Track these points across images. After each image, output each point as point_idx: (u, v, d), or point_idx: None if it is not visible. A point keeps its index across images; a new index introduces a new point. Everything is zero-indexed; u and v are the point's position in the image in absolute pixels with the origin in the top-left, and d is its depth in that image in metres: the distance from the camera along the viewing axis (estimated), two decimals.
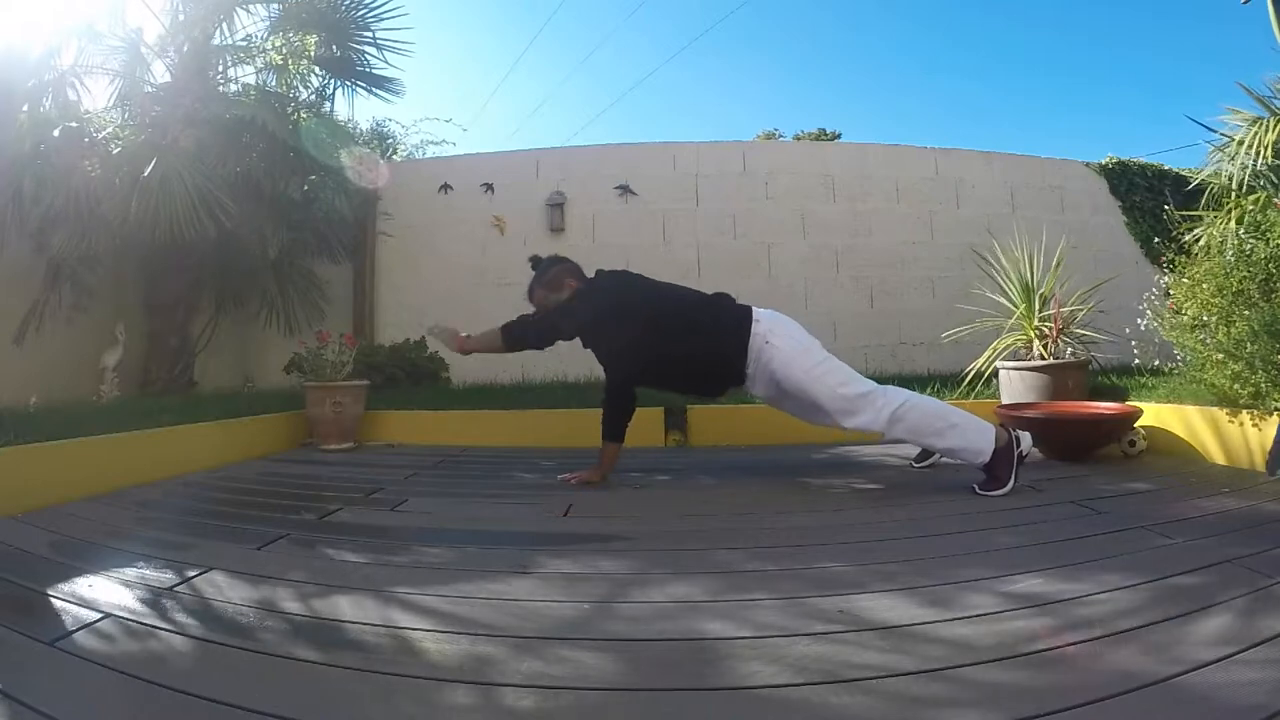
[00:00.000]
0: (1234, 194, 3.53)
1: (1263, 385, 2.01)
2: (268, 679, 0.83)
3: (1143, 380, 2.98)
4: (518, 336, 2.11)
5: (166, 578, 1.21)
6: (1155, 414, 2.45)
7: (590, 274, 2.17)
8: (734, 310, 2.05)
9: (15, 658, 0.89)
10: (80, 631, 0.96)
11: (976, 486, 1.83)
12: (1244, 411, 2.07)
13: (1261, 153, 3.41)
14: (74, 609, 1.05)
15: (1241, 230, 2.45)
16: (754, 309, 2.04)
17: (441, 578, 1.22)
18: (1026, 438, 1.88)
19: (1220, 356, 2.14)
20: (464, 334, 2.17)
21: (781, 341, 1.97)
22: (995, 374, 3.16)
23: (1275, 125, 3.42)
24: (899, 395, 1.92)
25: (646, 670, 0.85)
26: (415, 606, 1.07)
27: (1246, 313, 2.11)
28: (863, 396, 1.91)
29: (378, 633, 0.96)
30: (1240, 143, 3.58)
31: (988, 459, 1.84)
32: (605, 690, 0.80)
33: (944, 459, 2.20)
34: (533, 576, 1.22)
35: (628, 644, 0.93)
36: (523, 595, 1.12)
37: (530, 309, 2.19)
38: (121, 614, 1.03)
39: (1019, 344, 3.23)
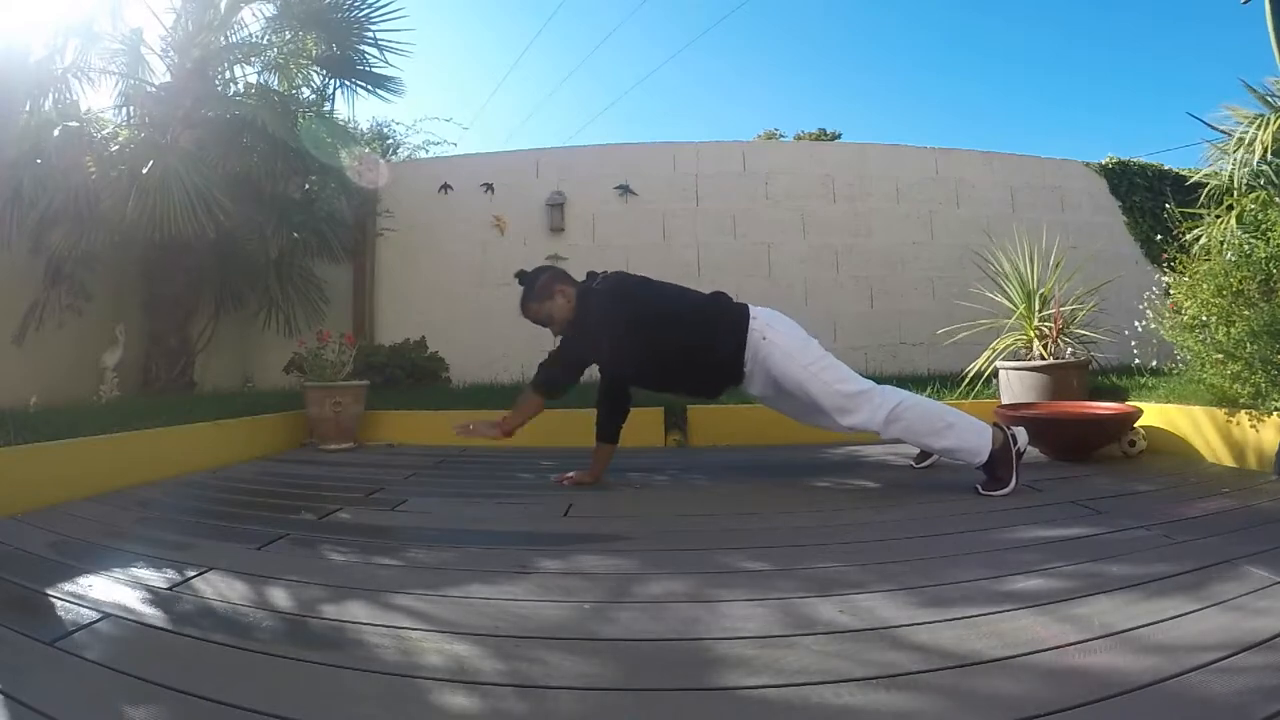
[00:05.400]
0: (1234, 193, 3.53)
1: (1262, 385, 2.01)
2: (267, 679, 0.83)
3: (1143, 380, 2.98)
4: (548, 383, 2.04)
5: (166, 578, 1.21)
6: (1156, 414, 2.45)
7: (579, 278, 2.12)
8: (731, 309, 2.03)
9: (15, 658, 0.89)
10: (80, 631, 0.96)
11: (979, 487, 1.83)
12: (1243, 411, 2.07)
13: (1262, 151, 3.40)
14: (74, 609, 1.05)
15: (1241, 230, 2.45)
16: (751, 306, 2.03)
17: (441, 578, 1.22)
18: (1022, 433, 1.88)
19: (1220, 356, 2.14)
20: (499, 418, 2.11)
21: (779, 338, 1.96)
22: (995, 374, 3.16)
23: (1276, 121, 3.41)
24: (896, 395, 1.91)
25: (647, 671, 0.85)
26: (415, 606, 1.07)
27: (1246, 313, 2.11)
28: (860, 394, 1.91)
29: (378, 633, 0.96)
30: (1240, 140, 3.58)
31: (984, 459, 1.84)
32: (605, 691, 0.80)
33: (943, 459, 2.21)
34: (533, 577, 1.22)
35: (628, 644, 0.93)
36: (523, 595, 1.12)
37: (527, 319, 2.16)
38: (121, 614, 1.03)
39: (1019, 344, 3.23)
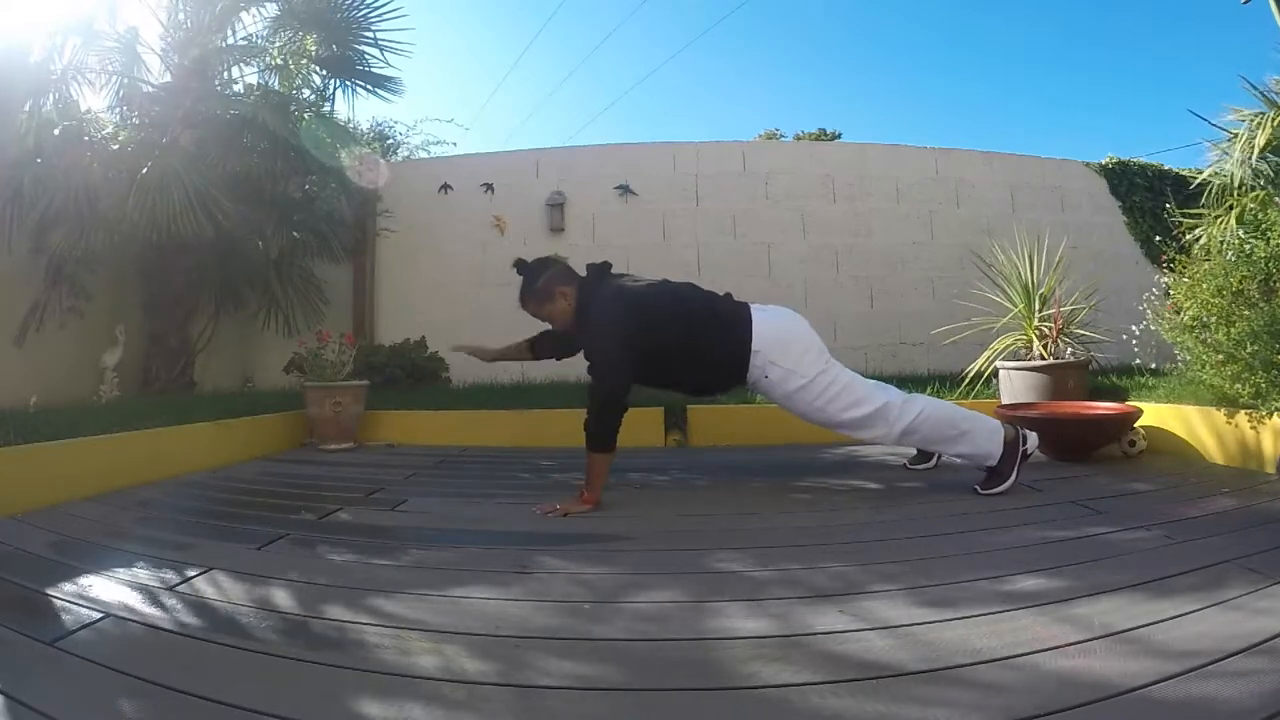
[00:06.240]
0: (1235, 192, 3.52)
1: (1262, 385, 2.01)
2: (267, 679, 0.83)
3: (1143, 380, 2.97)
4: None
5: (167, 577, 1.21)
6: (1155, 414, 2.45)
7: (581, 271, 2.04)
8: (735, 327, 1.90)
9: (15, 658, 0.89)
10: (80, 631, 0.96)
11: (978, 487, 1.83)
12: (1244, 411, 2.07)
13: (1262, 146, 3.40)
14: (74, 609, 1.05)
15: (1241, 229, 2.45)
16: (753, 319, 1.89)
17: (441, 578, 1.22)
18: (1033, 438, 1.89)
19: (1220, 356, 2.14)
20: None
21: (780, 375, 1.87)
22: (995, 374, 3.16)
23: (1276, 119, 3.41)
24: (912, 408, 1.86)
25: (647, 671, 0.85)
26: (415, 607, 1.07)
27: (1246, 313, 2.11)
28: (873, 414, 1.86)
29: (378, 633, 0.96)
30: (1240, 139, 3.57)
31: (995, 462, 1.84)
32: (606, 690, 0.80)
33: (943, 459, 2.21)
34: (533, 577, 1.22)
35: (628, 644, 0.93)
36: (523, 596, 1.12)
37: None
38: (121, 614, 1.03)
39: (1019, 344, 3.23)
